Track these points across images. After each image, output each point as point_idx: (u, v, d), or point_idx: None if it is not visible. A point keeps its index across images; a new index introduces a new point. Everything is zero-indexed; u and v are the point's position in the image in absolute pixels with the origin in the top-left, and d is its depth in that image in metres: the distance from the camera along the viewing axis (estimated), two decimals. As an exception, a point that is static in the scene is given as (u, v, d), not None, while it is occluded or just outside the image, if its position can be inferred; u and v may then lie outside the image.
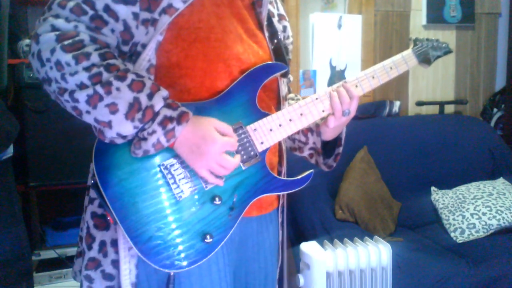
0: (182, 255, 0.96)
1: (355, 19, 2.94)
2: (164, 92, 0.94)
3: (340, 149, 1.24)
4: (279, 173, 1.20)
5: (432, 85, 3.22)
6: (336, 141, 1.24)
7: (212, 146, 0.94)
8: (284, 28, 1.24)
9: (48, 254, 2.53)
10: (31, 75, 2.28)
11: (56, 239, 2.60)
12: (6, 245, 1.73)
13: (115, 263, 1.02)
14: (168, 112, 0.92)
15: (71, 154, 2.35)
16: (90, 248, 1.03)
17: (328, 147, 1.25)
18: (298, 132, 1.23)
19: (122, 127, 0.91)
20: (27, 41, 2.45)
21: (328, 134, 1.19)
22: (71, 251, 2.53)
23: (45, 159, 2.35)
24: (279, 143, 1.18)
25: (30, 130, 2.32)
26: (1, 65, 1.83)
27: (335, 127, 1.16)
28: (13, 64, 2.32)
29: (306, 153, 1.28)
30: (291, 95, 1.31)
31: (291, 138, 1.28)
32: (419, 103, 3.09)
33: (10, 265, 1.74)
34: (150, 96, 0.91)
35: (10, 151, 1.74)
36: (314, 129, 1.22)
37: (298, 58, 2.81)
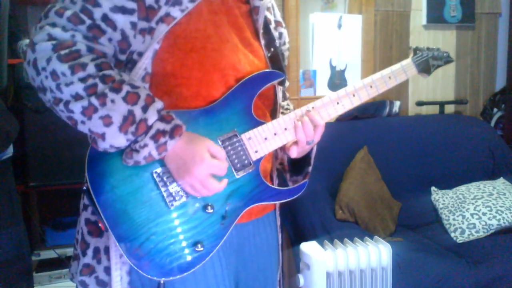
0: (173, 263, 0.96)
1: (355, 19, 2.94)
2: (158, 104, 0.93)
3: (310, 168, 1.21)
4: (272, 180, 1.19)
5: (432, 85, 3.21)
6: (306, 159, 1.20)
7: (199, 166, 0.92)
8: (280, 35, 1.23)
9: (48, 254, 2.52)
10: (31, 75, 2.27)
11: (56, 239, 2.60)
12: (6, 245, 1.73)
13: (108, 270, 1.02)
14: (161, 126, 0.91)
15: (71, 154, 2.32)
16: (84, 254, 1.03)
17: (298, 165, 1.22)
18: None
19: (115, 139, 0.90)
20: (26, 41, 2.44)
21: (292, 154, 1.13)
22: (71, 251, 2.49)
23: (45, 159, 2.35)
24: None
25: (30, 130, 2.31)
26: (1, 65, 1.83)
27: (299, 153, 1.12)
28: (13, 64, 2.31)
29: (276, 166, 1.25)
30: (284, 103, 1.28)
31: None
32: (419, 103, 3.09)
33: (10, 265, 1.74)
34: (145, 109, 0.91)
35: (10, 151, 1.74)
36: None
37: (298, 58, 2.81)
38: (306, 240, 2.02)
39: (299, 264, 1.96)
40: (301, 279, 1.93)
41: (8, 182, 1.76)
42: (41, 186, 2.39)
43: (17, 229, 1.76)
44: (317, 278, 1.86)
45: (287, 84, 1.26)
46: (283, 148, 1.16)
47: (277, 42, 1.19)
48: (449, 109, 3.23)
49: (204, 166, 0.92)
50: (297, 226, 2.34)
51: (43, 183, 2.37)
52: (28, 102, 2.28)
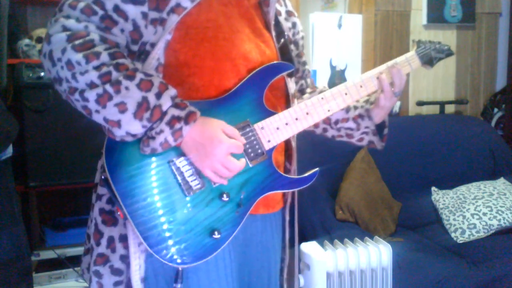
0: (191, 250, 0.98)
1: (355, 18, 2.93)
2: (172, 91, 0.95)
3: (386, 130, 1.29)
4: (288, 171, 1.21)
5: (433, 85, 3.21)
6: (382, 125, 1.28)
7: (218, 148, 0.95)
8: (294, 24, 1.26)
9: (47, 254, 2.52)
10: (31, 75, 2.28)
11: (55, 240, 2.60)
12: (6, 245, 1.73)
13: (124, 258, 1.03)
14: (176, 112, 0.93)
15: (71, 154, 2.35)
16: (98, 244, 1.04)
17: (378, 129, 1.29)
18: (346, 120, 1.26)
19: (131, 126, 0.92)
20: (26, 41, 2.44)
21: (379, 117, 1.23)
22: (71, 251, 2.53)
23: (44, 159, 2.35)
24: (288, 142, 1.19)
25: (30, 130, 2.31)
26: (1, 65, 1.83)
27: (383, 108, 1.20)
28: (12, 64, 2.31)
29: (356, 138, 1.29)
30: (320, 87, 1.31)
31: (334, 127, 1.29)
32: (420, 103, 3.08)
33: (10, 265, 1.74)
34: (158, 96, 0.93)
35: (9, 151, 1.74)
36: (364, 114, 1.25)
37: (298, 58, 2.81)
38: (306, 240, 2.02)
39: (299, 265, 1.96)
40: (301, 279, 1.93)
41: (7, 182, 1.76)
42: (41, 186, 2.39)
43: (16, 229, 1.76)
44: (317, 278, 1.86)
45: (309, 70, 1.29)
46: (366, 116, 1.24)
47: (290, 32, 1.22)
48: (450, 109, 3.23)
49: (223, 147, 0.95)
50: (297, 226, 2.34)
51: (42, 183, 2.37)
52: (28, 102, 2.28)
